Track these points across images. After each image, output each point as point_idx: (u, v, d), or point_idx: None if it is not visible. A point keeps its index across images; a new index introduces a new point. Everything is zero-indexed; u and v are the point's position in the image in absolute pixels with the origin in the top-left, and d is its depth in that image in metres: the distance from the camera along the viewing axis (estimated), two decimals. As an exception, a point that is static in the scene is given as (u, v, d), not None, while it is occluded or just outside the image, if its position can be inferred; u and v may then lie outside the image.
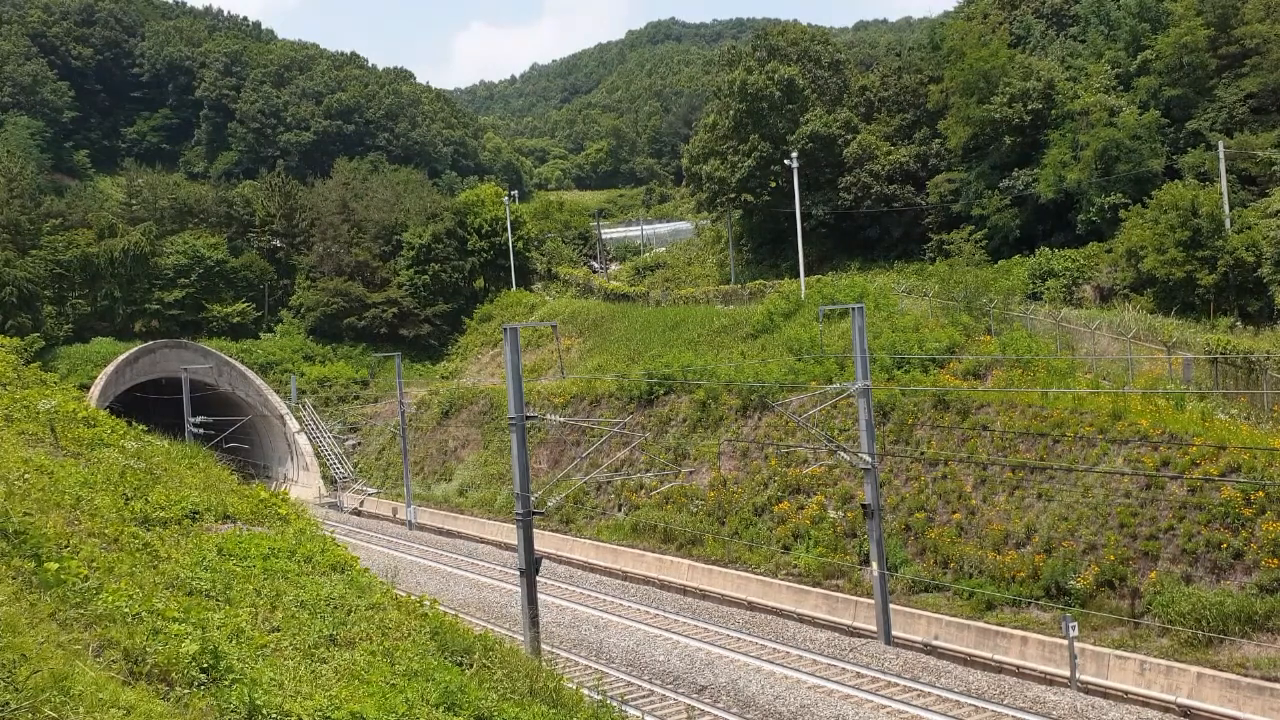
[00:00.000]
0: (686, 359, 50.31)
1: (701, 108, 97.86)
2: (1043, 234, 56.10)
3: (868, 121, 68.95)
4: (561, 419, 46.10)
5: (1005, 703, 25.01)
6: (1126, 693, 24.73)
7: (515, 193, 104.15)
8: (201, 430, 55.44)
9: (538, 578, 27.06)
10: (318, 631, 12.00)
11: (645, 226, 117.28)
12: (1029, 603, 29.00)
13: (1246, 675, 23.48)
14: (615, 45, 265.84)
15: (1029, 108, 56.92)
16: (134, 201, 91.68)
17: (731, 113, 70.72)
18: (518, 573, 27.63)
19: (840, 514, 36.41)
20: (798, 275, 55.77)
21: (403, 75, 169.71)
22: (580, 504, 47.45)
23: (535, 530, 28.39)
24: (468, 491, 57.39)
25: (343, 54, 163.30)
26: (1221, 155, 46.99)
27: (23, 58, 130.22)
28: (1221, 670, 23.89)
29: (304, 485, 67.54)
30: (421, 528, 56.29)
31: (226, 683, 8.90)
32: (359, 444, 71.69)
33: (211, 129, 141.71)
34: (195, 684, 8.73)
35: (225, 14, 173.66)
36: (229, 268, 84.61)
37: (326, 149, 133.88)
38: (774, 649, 30.34)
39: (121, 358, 69.54)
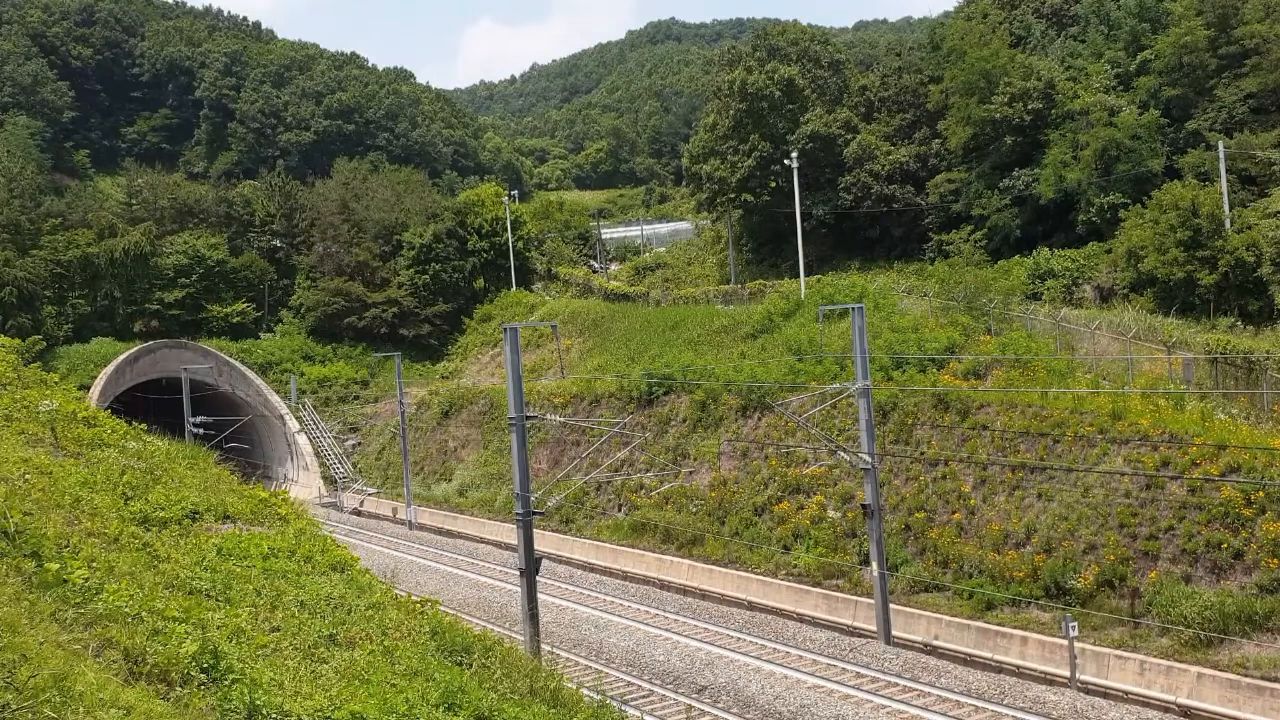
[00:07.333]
0: (686, 359, 50.30)
1: (701, 108, 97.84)
2: (1043, 234, 56.08)
3: (868, 121, 68.95)
4: (561, 419, 46.11)
5: (1005, 703, 25.01)
6: (1127, 693, 24.71)
7: (515, 193, 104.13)
8: (201, 430, 55.42)
9: (538, 578, 27.06)
10: (318, 631, 11.99)
11: (645, 226, 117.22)
12: (1029, 603, 28.99)
13: (1247, 675, 23.44)
14: (615, 45, 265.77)
15: (1029, 108, 56.91)
16: (134, 201, 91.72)
17: (731, 113, 70.71)
18: (517, 572, 27.64)
19: (840, 514, 36.41)
20: (798, 275, 55.75)
21: (403, 75, 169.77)
22: (580, 504, 47.45)
23: (535, 530, 28.39)
24: (468, 491, 57.40)
25: (343, 54, 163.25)
26: (1221, 155, 46.97)
27: (23, 58, 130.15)
28: (1222, 670, 23.86)
29: (304, 485, 67.55)
30: (421, 528, 56.29)
31: (226, 683, 8.89)
32: (359, 444, 71.70)
33: (211, 129, 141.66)
34: (195, 684, 8.72)
35: (225, 14, 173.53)
36: (229, 268, 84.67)
37: (326, 149, 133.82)
38: (774, 649, 30.35)
39: (121, 358, 69.55)
